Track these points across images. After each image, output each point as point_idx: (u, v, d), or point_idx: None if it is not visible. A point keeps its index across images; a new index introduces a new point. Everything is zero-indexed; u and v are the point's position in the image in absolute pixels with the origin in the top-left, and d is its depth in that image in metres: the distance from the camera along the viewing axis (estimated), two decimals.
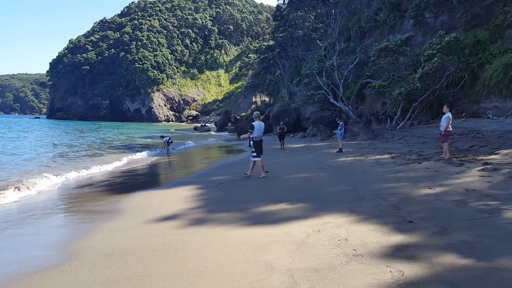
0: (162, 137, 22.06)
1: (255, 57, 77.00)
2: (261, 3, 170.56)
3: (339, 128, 15.97)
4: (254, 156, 10.21)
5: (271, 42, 61.29)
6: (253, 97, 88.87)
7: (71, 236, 6.00)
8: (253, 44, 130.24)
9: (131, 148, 25.80)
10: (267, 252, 4.49)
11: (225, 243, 4.95)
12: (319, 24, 35.52)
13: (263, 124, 10.28)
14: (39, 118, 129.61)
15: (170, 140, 20.63)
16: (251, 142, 10.20)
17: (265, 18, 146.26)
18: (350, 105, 25.15)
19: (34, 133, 42.24)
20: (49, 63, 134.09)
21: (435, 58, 18.65)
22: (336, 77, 25.14)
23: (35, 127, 58.61)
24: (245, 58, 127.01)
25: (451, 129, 10.89)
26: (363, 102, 27.07)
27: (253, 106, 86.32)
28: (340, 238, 4.75)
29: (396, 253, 4.11)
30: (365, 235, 4.80)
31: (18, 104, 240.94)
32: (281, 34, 45.11)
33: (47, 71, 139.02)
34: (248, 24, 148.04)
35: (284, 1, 46.91)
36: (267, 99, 75.94)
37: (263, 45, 72.82)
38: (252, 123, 10.21)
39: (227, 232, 5.43)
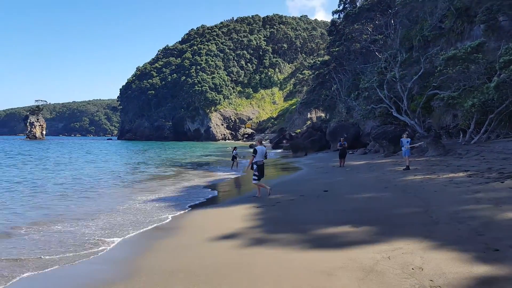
0: (235, 148, 25.30)
1: (310, 73, 76.88)
2: (315, 20, 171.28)
3: (404, 143, 14.91)
4: (254, 179, 10.48)
5: (326, 57, 60.69)
6: (308, 113, 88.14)
7: (135, 252, 6.15)
8: (308, 61, 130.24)
9: (199, 165, 27.58)
10: (332, 279, 4.18)
11: (286, 266, 4.74)
12: (378, 36, 34.38)
13: (264, 148, 10.68)
14: (110, 139, 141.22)
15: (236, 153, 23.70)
16: (255, 166, 10.46)
17: (320, 34, 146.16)
18: (415, 118, 23.62)
19: (114, 153, 45.93)
20: (120, 89, 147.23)
21: None
22: (399, 89, 23.87)
23: (112, 148, 63.66)
24: (299, 74, 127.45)
25: None
26: (430, 115, 25.24)
27: (308, 122, 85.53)
28: (413, 266, 4.28)
29: (482, 286, 3.61)
30: (442, 264, 4.27)
31: (93, 127, 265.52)
32: (337, 49, 44.45)
33: (118, 97, 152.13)
34: (302, 41, 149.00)
35: (339, 16, 46.33)
36: (323, 114, 74.69)
37: (318, 60, 72.37)
38: (255, 147, 10.48)
39: (287, 255, 5.22)
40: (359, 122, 31.34)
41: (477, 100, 18.26)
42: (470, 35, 24.03)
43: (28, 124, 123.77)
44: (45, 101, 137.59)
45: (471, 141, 19.66)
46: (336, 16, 47.73)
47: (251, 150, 10.53)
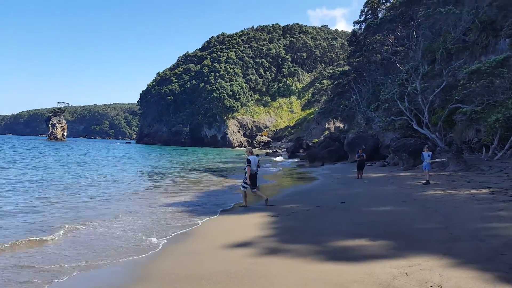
0: (257, 155, 24.20)
1: (329, 83, 76.56)
2: (336, 29, 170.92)
3: (425, 157, 14.60)
4: (243, 186, 10.84)
5: (346, 68, 60.40)
6: (326, 123, 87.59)
7: (147, 256, 6.23)
8: (327, 70, 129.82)
9: (216, 171, 27.70)
10: None
11: (301, 277, 4.69)
12: (399, 47, 34.01)
13: (257, 158, 11.02)
14: (129, 143, 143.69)
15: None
16: (246, 175, 10.80)
17: (340, 44, 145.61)
18: (436, 132, 23.15)
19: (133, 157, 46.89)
20: (140, 94, 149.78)
21: None
22: (420, 102, 23.49)
23: (133, 151, 64.91)
24: (318, 84, 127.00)
25: None
26: (452, 129, 24.69)
27: (326, 132, 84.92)
28: (432, 284, 4.17)
29: None
30: (462, 282, 4.15)
31: (113, 130, 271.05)
32: (357, 59, 44.19)
33: (137, 101, 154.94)
34: (322, 51, 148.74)
35: (360, 26, 46.14)
36: (341, 125, 74.11)
37: (338, 70, 72.10)
38: (248, 157, 10.79)
39: (302, 266, 5.16)
40: (378, 133, 30.91)
41: (502, 115, 17.78)
42: (495, 49, 23.50)
43: (50, 125, 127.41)
44: (67, 103, 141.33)
45: (494, 157, 19.09)
46: (357, 26, 47.58)
47: (248, 159, 10.66)
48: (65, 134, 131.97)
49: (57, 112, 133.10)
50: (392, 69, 34.63)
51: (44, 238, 7.09)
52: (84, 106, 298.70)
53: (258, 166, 11.06)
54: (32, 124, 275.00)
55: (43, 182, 16.71)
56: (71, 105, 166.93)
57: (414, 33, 30.77)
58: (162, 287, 4.64)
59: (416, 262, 4.97)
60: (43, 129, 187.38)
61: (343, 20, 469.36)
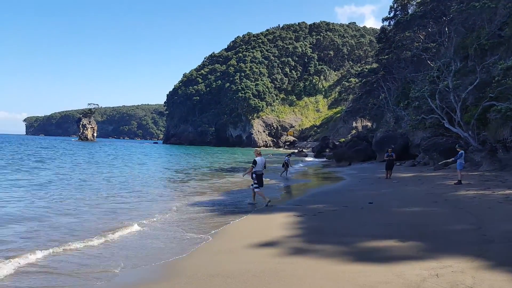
0: (290, 154, 25.33)
1: (357, 81, 75.14)
2: (364, 27, 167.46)
3: (458, 156, 14.11)
4: (256, 187, 11.30)
5: (375, 65, 59.16)
6: (353, 122, 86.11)
7: (177, 253, 6.41)
8: (355, 68, 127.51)
9: (241, 171, 27.42)
10: None
11: (328, 278, 4.68)
12: (430, 44, 32.94)
13: (263, 159, 11.47)
14: (156, 143, 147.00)
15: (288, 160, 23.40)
16: (254, 175, 11.30)
17: (368, 41, 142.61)
18: (469, 130, 22.27)
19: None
20: (167, 94, 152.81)
21: None
22: (452, 99, 22.67)
23: (163, 151, 66.57)
24: (346, 82, 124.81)
25: None
26: (486, 127, 23.67)
27: (353, 131, 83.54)
28: (464, 286, 4.09)
29: None
30: (496, 285, 4.05)
31: (141, 131, 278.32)
32: (386, 56, 43.18)
33: (164, 102, 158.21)
34: (349, 49, 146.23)
35: (389, 23, 44.99)
36: (369, 124, 72.68)
37: (366, 68, 70.70)
38: (255, 158, 11.27)
39: (329, 266, 5.15)
40: (408, 132, 30.10)
41: None
42: None
43: (80, 126, 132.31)
44: (97, 104, 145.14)
45: None
46: (386, 23, 46.44)
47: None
48: (95, 134, 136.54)
49: (88, 113, 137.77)
50: (422, 66, 33.63)
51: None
52: (113, 107, 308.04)
53: (264, 167, 11.53)
54: (63, 125, 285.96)
55: (70, 183, 17.11)
56: (101, 106, 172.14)
57: (446, 29, 29.71)
58: (191, 284, 4.76)
59: (447, 264, 4.87)
60: (74, 129, 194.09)
61: (372, 17, 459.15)
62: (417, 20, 34.31)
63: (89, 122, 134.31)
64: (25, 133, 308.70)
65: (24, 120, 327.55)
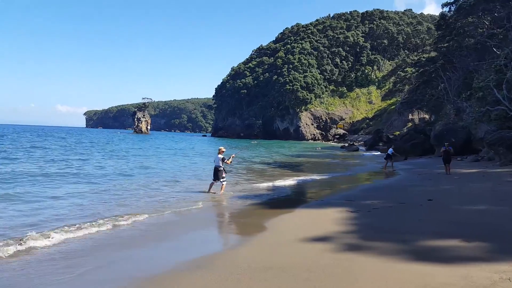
0: (392, 146, 25.95)
1: (413, 70, 70.98)
2: (421, 13, 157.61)
3: None
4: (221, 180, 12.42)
5: (433, 54, 55.56)
6: (409, 115, 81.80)
7: (230, 245, 6.60)
8: (411, 57, 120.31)
9: (292, 166, 27.24)
10: None
11: (386, 277, 4.53)
12: (496, 30, 30.18)
13: (220, 156, 12.46)
14: (205, 136, 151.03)
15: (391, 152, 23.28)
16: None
17: (426, 29, 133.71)
18: None
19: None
20: (215, 88, 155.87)
21: None
22: None
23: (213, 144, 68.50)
24: (401, 72, 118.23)
25: None
26: None
27: (409, 124, 79.44)
28: None
29: None
30: None
31: (190, 124, 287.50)
32: (446, 44, 40.32)
33: (213, 96, 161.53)
34: (405, 37, 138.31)
35: (450, 8, 41.79)
36: (426, 116, 68.70)
37: (423, 57, 66.63)
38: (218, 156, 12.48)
39: (386, 265, 4.99)
40: (470, 125, 28.04)
41: None
42: None
43: (135, 119, 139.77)
44: (151, 98, 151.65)
45: None
46: (446, 9, 43.20)
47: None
48: (148, 127, 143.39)
49: (142, 107, 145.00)
50: (487, 54, 31.00)
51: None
52: (165, 101, 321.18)
53: (228, 163, 12.54)
54: (120, 118, 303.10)
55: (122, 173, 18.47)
56: (154, 101, 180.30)
57: None
58: (245, 275, 4.82)
59: None
60: (129, 122, 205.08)
61: (433, 2, 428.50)
62: (482, 4, 31.51)
63: (143, 115, 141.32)
64: (85, 126, 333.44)
65: (84, 114, 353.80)
